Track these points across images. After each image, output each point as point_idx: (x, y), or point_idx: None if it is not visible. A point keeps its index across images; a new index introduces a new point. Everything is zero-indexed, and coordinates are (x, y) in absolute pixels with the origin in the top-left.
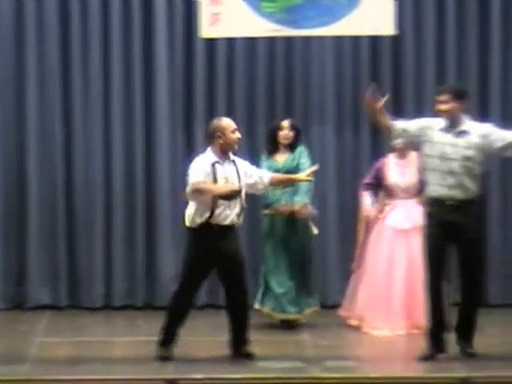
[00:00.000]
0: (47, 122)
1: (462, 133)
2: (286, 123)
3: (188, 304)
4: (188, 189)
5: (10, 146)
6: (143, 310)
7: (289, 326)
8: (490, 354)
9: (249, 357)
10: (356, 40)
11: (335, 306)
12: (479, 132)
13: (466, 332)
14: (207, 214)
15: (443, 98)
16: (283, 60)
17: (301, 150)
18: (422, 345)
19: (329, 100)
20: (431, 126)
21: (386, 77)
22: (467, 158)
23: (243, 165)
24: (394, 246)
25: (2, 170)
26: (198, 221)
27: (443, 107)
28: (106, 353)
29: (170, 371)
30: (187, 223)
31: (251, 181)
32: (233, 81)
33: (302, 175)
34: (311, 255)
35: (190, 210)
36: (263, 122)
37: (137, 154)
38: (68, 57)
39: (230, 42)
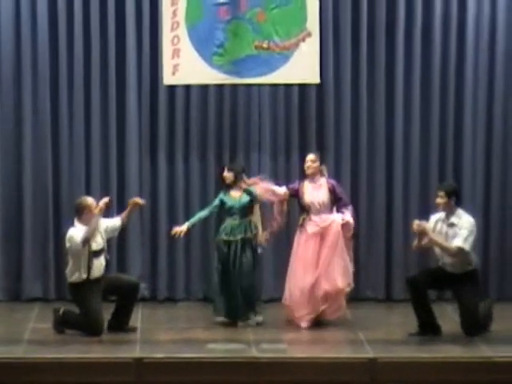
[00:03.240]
0: (40, 151)
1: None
2: (226, 172)
3: None
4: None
5: (8, 166)
6: None
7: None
8: (394, 339)
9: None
10: (288, 88)
11: (271, 301)
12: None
13: None
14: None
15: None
16: (229, 103)
17: (248, 192)
18: (338, 330)
19: (265, 134)
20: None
21: (312, 118)
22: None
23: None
24: (309, 247)
25: (1, 185)
26: None
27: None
28: (88, 336)
29: (137, 352)
30: None
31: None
32: (189, 119)
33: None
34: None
35: None
36: (213, 155)
37: (111, 175)
38: (56, 98)
39: (187, 88)
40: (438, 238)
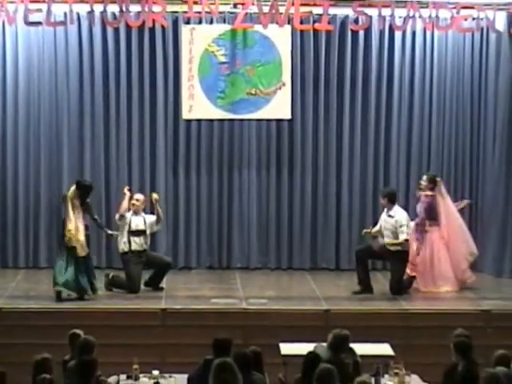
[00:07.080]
0: (95, 172)
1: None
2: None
3: None
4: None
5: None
6: None
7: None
8: (341, 296)
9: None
10: (268, 122)
11: (256, 269)
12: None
13: None
14: None
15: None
16: (228, 133)
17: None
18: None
19: (253, 155)
20: None
21: (285, 143)
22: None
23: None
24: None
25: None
26: None
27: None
28: (129, 293)
29: (162, 304)
30: None
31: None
32: (200, 144)
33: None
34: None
35: None
36: (217, 170)
37: (146, 185)
38: (108, 129)
39: (199, 122)
40: None
